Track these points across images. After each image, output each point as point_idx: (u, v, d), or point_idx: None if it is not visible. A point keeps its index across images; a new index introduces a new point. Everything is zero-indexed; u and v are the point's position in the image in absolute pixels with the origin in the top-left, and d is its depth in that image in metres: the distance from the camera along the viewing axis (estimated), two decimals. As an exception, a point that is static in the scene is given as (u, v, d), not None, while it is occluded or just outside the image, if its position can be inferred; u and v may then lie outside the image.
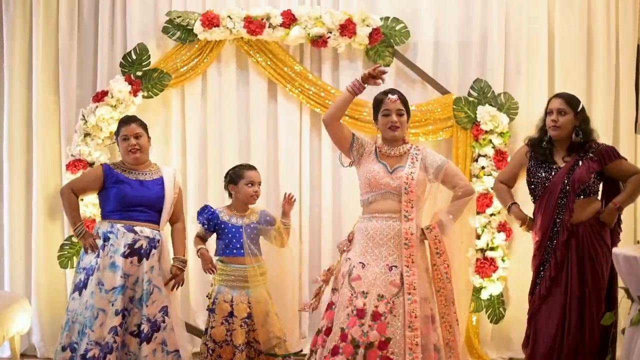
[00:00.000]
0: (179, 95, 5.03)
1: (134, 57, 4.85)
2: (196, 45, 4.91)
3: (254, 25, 4.82)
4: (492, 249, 4.80)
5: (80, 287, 3.76)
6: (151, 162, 4.00)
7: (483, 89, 4.89)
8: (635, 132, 4.99)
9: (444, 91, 4.96)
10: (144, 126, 3.95)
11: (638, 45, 5.05)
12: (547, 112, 3.94)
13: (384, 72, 3.46)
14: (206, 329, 4.02)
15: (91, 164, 4.75)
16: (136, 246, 3.77)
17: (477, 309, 4.83)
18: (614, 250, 3.41)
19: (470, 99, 4.90)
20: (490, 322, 4.87)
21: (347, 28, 4.83)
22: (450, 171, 3.57)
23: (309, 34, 4.85)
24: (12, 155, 4.98)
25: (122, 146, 3.91)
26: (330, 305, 3.54)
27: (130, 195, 3.81)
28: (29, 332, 4.88)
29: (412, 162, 3.52)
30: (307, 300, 4.90)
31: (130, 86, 4.80)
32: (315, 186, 5.06)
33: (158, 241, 3.85)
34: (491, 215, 4.80)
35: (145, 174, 3.92)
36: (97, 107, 4.77)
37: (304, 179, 5.03)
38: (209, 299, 4.05)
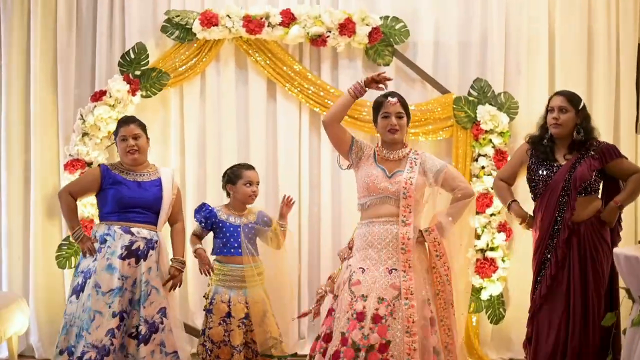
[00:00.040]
0: (177, 95, 5.01)
1: (132, 56, 4.84)
2: (195, 45, 4.90)
3: (253, 24, 4.80)
4: (492, 249, 4.79)
5: (77, 291, 3.75)
6: (149, 163, 3.98)
7: (483, 89, 4.88)
8: (636, 132, 4.98)
9: (443, 90, 4.95)
10: (142, 127, 3.93)
11: (639, 45, 5.04)
12: (548, 110, 3.93)
13: (388, 79, 3.46)
14: (203, 330, 3.99)
15: (89, 164, 4.74)
16: (133, 247, 3.75)
17: (477, 310, 4.81)
18: (615, 250, 3.39)
19: (470, 98, 4.88)
20: (491, 322, 4.85)
21: (346, 27, 4.81)
22: (450, 174, 3.54)
23: (308, 33, 4.83)
24: (9, 155, 4.97)
25: (120, 147, 3.89)
26: (331, 312, 3.52)
27: (127, 197, 3.79)
28: (26, 333, 4.87)
29: (411, 166, 3.50)
30: (307, 306, 4.96)
31: (128, 85, 4.78)
32: (314, 186, 5.05)
33: (156, 242, 3.83)
34: (491, 215, 4.79)
35: (143, 175, 3.90)
36: (95, 106, 4.76)
37: (303, 179, 5.02)
38: (206, 299, 4.04)
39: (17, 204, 4.98)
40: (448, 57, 5.03)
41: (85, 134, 4.76)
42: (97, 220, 4.24)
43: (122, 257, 3.72)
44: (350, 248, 3.58)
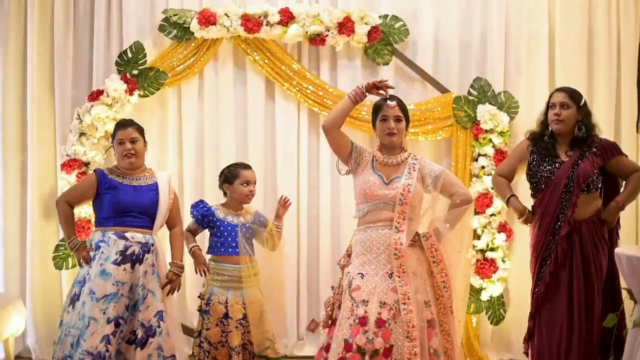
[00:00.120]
0: (175, 94, 4.99)
1: (130, 55, 4.81)
2: (193, 44, 4.87)
3: (251, 23, 4.78)
4: (492, 249, 4.76)
5: (74, 300, 3.73)
6: (146, 167, 3.95)
7: (483, 88, 4.86)
8: (637, 131, 4.97)
9: (443, 90, 4.92)
10: (140, 130, 3.90)
11: (639, 44, 5.02)
12: (550, 106, 3.92)
13: (390, 87, 3.45)
14: (200, 331, 3.96)
15: (86, 164, 4.72)
16: (128, 252, 3.72)
17: (477, 311, 4.79)
18: (617, 250, 3.38)
19: (470, 97, 4.86)
20: (491, 323, 4.83)
21: (345, 26, 4.79)
22: (449, 180, 3.53)
23: (307, 32, 4.81)
24: (6, 155, 4.94)
25: (117, 150, 3.86)
26: (335, 322, 3.49)
27: (123, 201, 3.77)
28: (23, 334, 4.84)
29: (410, 171, 3.48)
30: (306, 308, 4.93)
31: (126, 85, 4.75)
32: (313, 187, 5.02)
33: (151, 245, 3.79)
34: (491, 215, 4.76)
35: (140, 179, 3.87)
36: (92, 106, 4.73)
37: (302, 179, 4.99)
38: (202, 299, 4.00)
39: (14, 204, 4.95)
40: (448, 56, 5.00)
41: (82, 134, 4.73)
42: (93, 221, 4.21)
43: (117, 263, 3.69)
44: (349, 255, 3.55)
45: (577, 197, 3.77)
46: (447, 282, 3.45)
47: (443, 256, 3.45)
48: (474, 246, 4.75)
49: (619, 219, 3.93)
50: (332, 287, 3.63)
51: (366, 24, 4.81)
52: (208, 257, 4.04)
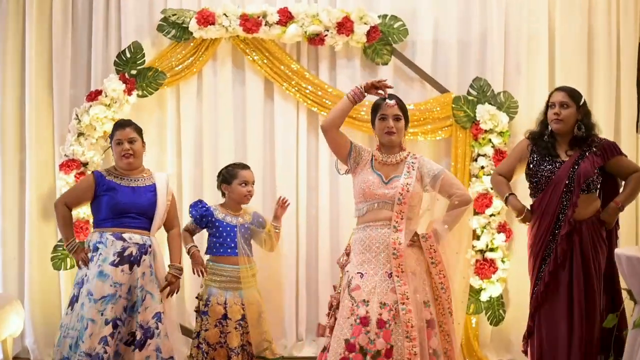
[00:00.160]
0: (174, 94, 4.98)
1: (128, 55, 4.80)
2: (191, 44, 4.86)
3: (250, 23, 4.77)
4: (491, 250, 4.75)
5: (73, 302, 3.73)
6: (144, 168, 3.94)
7: (482, 88, 4.84)
8: (637, 131, 4.96)
9: (443, 90, 4.91)
10: (138, 131, 3.89)
11: (639, 44, 5.01)
12: (549, 105, 3.91)
13: (389, 87, 3.44)
14: (198, 332, 3.95)
15: (85, 164, 4.71)
16: (125, 254, 3.71)
17: (476, 311, 4.78)
18: (617, 251, 3.37)
19: (470, 97, 4.85)
20: (490, 324, 4.82)
21: (344, 26, 4.78)
22: (447, 180, 3.52)
23: (305, 32, 4.80)
24: (4, 155, 4.93)
25: (115, 150, 3.85)
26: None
27: (121, 202, 3.76)
28: (21, 335, 4.83)
29: (409, 171, 3.47)
30: (305, 308, 4.92)
31: (124, 85, 4.75)
32: (312, 187, 5.01)
33: (149, 246, 3.78)
34: (491, 215, 4.75)
35: (138, 180, 3.86)
36: (90, 106, 4.72)
37: (301, 180, 4.98)
38: (200, 300, 3.99)
39: (12, 204, 4.94)
40: (447, 56, 4.99)
41: (80, 134, 4.72)
42: (92, 222, 4.20)
43: (115, 264, 3.68)
44: (348, 254, 3.54)
45: (577, 197, 3.76)
46: (445, 283, 3.44)
47: (442, 257, 3.45)
48: (473, 246, 4.74)
49: (618, 219, 3.92)
50: (334, 287, 3.61)
51: (365, 23, 4.80)
52: (206, 257, 4.03)
